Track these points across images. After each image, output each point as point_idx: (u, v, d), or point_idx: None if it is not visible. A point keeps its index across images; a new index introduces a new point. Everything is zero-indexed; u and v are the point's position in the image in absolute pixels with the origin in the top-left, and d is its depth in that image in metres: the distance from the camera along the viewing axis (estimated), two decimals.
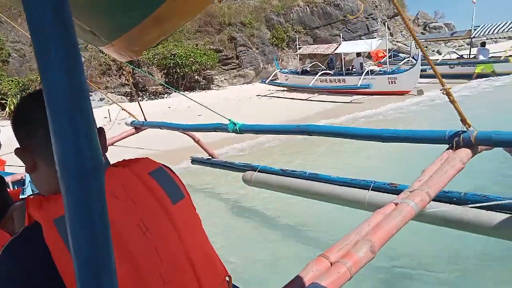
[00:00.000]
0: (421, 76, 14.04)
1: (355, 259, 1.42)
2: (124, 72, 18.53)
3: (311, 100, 14.19)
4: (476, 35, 15.77)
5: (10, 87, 14.77)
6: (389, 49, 15.20)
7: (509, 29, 14.78)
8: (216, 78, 21.98)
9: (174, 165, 6.19)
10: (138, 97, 18.00)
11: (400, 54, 21.62)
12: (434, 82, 15.27)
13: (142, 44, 2.06)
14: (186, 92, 20.22)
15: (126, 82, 18.36)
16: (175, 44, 20.06)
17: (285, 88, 16.64)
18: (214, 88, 21.59)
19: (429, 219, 2.46)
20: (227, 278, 0.99)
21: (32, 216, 0.76)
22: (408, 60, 15.45)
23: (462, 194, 2.50)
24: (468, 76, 15.14)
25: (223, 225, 4.15)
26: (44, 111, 0.83)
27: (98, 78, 17.76)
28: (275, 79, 17.54)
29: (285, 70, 18.23)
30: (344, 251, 1.49)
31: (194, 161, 5.21)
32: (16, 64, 16.29)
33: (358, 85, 13.42)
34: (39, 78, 11.89)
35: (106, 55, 18.43)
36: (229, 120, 3.81)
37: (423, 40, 18.41)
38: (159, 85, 18.92)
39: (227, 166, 4.53)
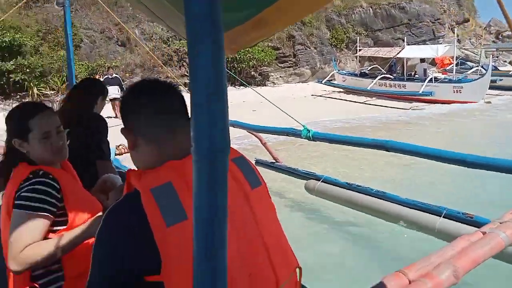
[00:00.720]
0: (490, 87, 13.19)
1: (437, 281, 1.35)
2: (184, 64, 19.12)
3: (369, 104, 13.82)
4: None
5: (80, 70, 15.79)
6: (456, 57, 14.43)
7: None
8: (272, 75, 22.03)
9: None
10: None
11: (468, 63, 20.41)
12: (504, 94, 14.30)
13: (239, 43, 2.09)
14: (241, 87, 20.54)
15: (186, 73, 18.95)
16: None
17: (341, 90, 16.34)
18: (269, 84, 21.67)
19: (508, 258, 2.34)
20: (297, 270, 0.99)
21: (132, 185, 0.87)
22: (477, 70, 14.56)
23: None
24: None
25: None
26: (147, 98, 0.93)
27: (160, 68, 18.49)
28: (332, 80, 17.28)
29: (343, 71, 17.90)
30: (424, 271, 1.41)
31: (258, 163, 5.25)
32: (87, 50, 17.36)
33: (420, 92, 12.87)
34: (106, 64, 12.67)
35: (168, 46, 19.17)
36: (303, 126, 3.79)
37: (495, 49, 17.25)
38: None
39: (290, 172, 4.54)
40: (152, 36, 19.06)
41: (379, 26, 23.96)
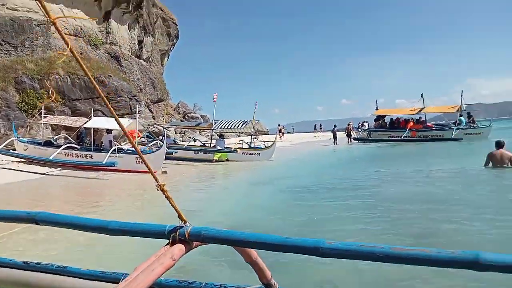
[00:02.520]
0: (168, 159, 15.14)
1: None
2: None
3: (50, 175, 12.96)
4: (216, 128, 18.62)
5: None
6: (141, 131, 15.91)
7: (234, 126, 18.25)
8: None
9: None
10: None
11: (161, 137, 23.01)
12: (179, 164, 16.79)
13: None
14: None
15: None
16: None
17: (22, 160, 14.69)
18: None
19: None
20: None
21: None
22: (157, 142, 16.52)
23: (203, 284, 2.56)
24: (209, 161, 17.40)
25: None
26: None
27: None
28: (12, 149, 15.34)
29: (24, 139, 16.29)
30: None
31: None
32: None
33: (103, 162, 13.20)
34: None
35: None
36: None
37: (174, 126, 20.44)
38: None
39: None
40: None
41: (77, 95, 23.80)
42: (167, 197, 2.58)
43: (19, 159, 14.66)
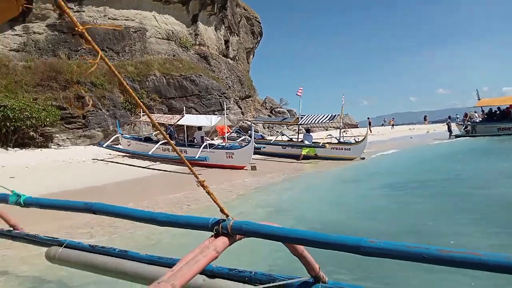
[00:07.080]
0: (256, 153, 15.30)
1: None
2: None
3: (150, 168, 13.96)
4: (302, 123, 18.35)
5: None
6: (230, 126, 16.33)
7: (321, 121, 17.75)
8: (57, 137, 20.19)
9: None
10: None
11: (249, 132, 23.51)
12: (266, 159, 16.88)
13: None
14: (16, 149, 17.95)
15: None
16: (6, 95, 18.00)
17: (126, 154, 16.09)
18: (53, 146, 19.67)
19: None
20: None
21: None
22: (245, 138, 16.80)
23: (253, 273, 2.59)
24: (297, 157, 17.21)
25: None
26: None
27: None
28: (117, 144, 16.89)
29: (127, 135, 17.83)
30: None
31: None
32: None
33: (196, 157, 13.82)
34: None
35: None
36: (12, 191, 3.36)
37: (261, 121, 20.58)
38: None
39: (30, 239, 3.88)
40: None
41: (172, 94, 25.42)
42: (208, 192, 2.39)
43: (123, 154, 16.10)
